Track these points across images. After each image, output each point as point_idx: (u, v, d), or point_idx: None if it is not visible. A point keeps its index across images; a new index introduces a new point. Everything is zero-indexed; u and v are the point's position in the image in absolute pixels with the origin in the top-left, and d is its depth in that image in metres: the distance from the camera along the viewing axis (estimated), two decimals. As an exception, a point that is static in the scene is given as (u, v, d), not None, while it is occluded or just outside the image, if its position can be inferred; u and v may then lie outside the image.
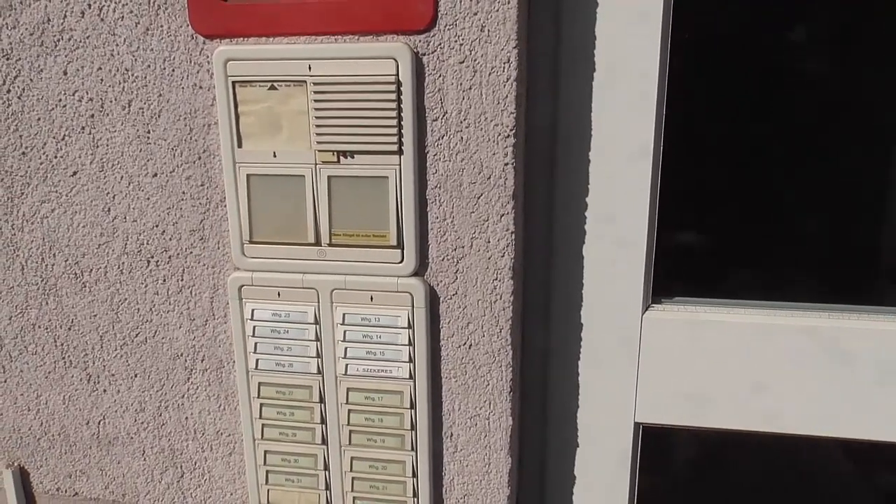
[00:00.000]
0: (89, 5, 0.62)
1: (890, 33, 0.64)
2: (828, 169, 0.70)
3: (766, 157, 0.70)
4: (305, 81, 0.59)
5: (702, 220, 0.74)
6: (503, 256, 0.61)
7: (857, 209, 0.70)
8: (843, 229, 0.71)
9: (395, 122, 0.58)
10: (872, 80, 0.66)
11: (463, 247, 0.61)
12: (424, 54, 0.58)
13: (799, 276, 0.72)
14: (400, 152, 0.59)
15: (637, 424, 0.71)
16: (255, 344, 0.65)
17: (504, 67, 0.57)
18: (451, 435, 0.66)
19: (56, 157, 0.66)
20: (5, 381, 0.73)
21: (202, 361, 0.68)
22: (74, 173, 0.66)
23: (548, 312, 0.69)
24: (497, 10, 0.56)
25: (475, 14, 0.56)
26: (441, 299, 0.63)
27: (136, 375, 0.70)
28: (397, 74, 0.57)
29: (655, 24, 0.61)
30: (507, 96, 0.58)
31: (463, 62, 0.57)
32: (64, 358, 0.71)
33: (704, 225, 0.74)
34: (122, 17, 0.61)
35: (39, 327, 0.71)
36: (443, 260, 0.62)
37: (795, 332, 0.66)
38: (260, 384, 0.66)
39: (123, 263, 0.67)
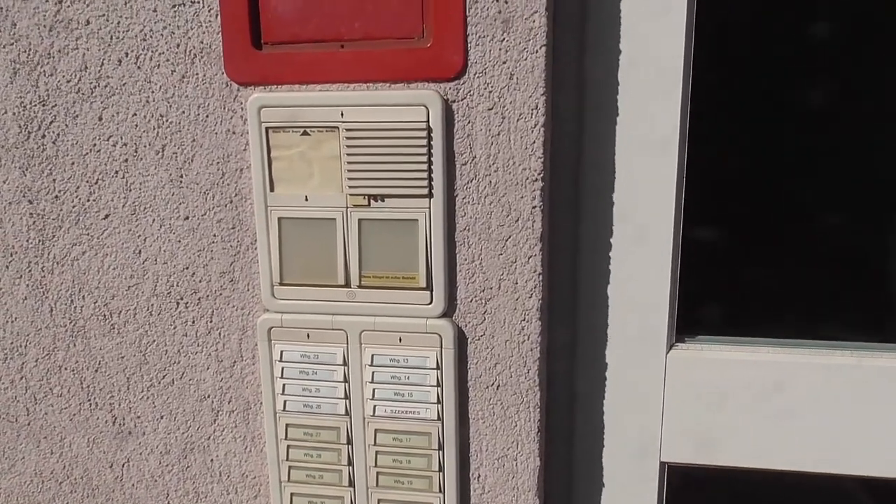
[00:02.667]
0: (126, 54, 0.63)
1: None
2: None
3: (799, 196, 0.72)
4: (338, 127, 0.60)
5: (725, 264, 0.75)
6: (531, 297, 0.62)
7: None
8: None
9: (425, 166, 0.60)
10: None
11: (491, 288, 0.62)
12: (454, 101, 0.59)
13: (828, 311, 0.73)
14: (430, 196, 0.60)
15: (663, 464, 0.71)
16: (284, 385, 0.66)
17: (532, 114, 0.59)
18: (479, 476, 0.66)
19: (89, 200, 0.67)
20: (29, 424, 0.73)
21: (229, 403, 0.69)
22: (107, 216, 0.67)
23: (573, 352, 0.70)
24: (525, 59, 0.58)
25: (504, 63, 0.58)
26: (469, 340, 0.63)
27: (161, 417, 0.70)
28: (428, 121, 0.59)
29: (676, 87, 0.63)
30: (534, 142, 0.59)
31: (492, 108, 0.59)
32: (90, 400, 0.71)
33: (728, 267, 0.75)
34: (159, 65, 0.63)
35: (66, 369, 0.71)
36: (471, 301, 0.63)
37: (827, 371, 0.66)
38: (287, 425, 0.66)
39: (153, 305, 0.68)
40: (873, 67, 0.67)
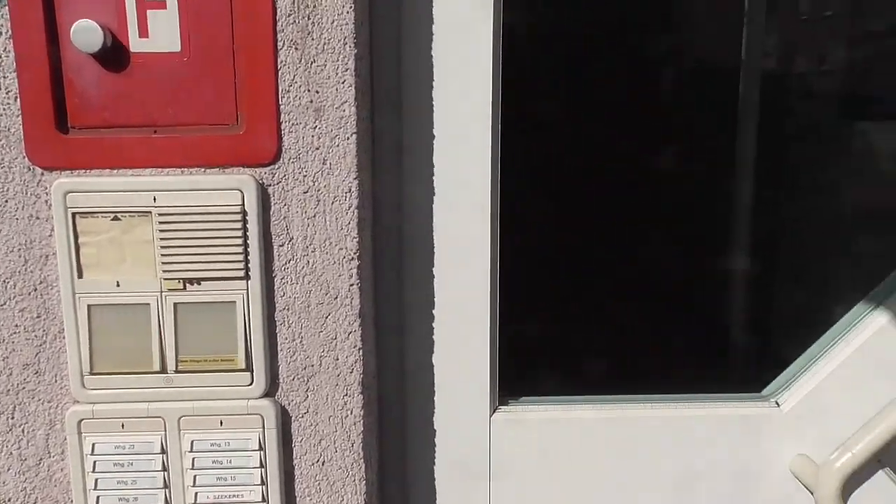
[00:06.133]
0: (-86, 137, 0.60)
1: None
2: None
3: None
4: (151, 212, 0.60)
5: (539, 319, 0.80)
6: (352, 373, 0.63)
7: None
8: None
9: (241, 248, 0.60)
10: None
11: (313, 365, 0.63)
12: (270, 185, 0.61)
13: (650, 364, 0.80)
14: (247, 277, 0.61)
15: (493, 527, 0.74)
16: (96, 480, 0.62)
17: (346, 196, 0.61)
18: (309, 557, 0.65)
19: None
20: None
21: (34, 504, 0.64)
22: None
23: (403, 421, 0.71)
24: (338, 146, 0.61)
25: (317, 149, 0.61)
26: (293, 418, 0.64)
27: (-46, 527, 0.64)
28: (243, 204, 0.60)
29: (485, 156, 0.68)
30: (349, 222, 0.62)
31: (307, 192, 0.61)
32: None
33: (543, 324, 0.81)
34: (-48, 149, 0.60)
35: None
36: (293, 379, 0.63)
37: (654, 424, 0.72)
38: (101, 523, 0.63)
39: (-56, 404, 0.62)
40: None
